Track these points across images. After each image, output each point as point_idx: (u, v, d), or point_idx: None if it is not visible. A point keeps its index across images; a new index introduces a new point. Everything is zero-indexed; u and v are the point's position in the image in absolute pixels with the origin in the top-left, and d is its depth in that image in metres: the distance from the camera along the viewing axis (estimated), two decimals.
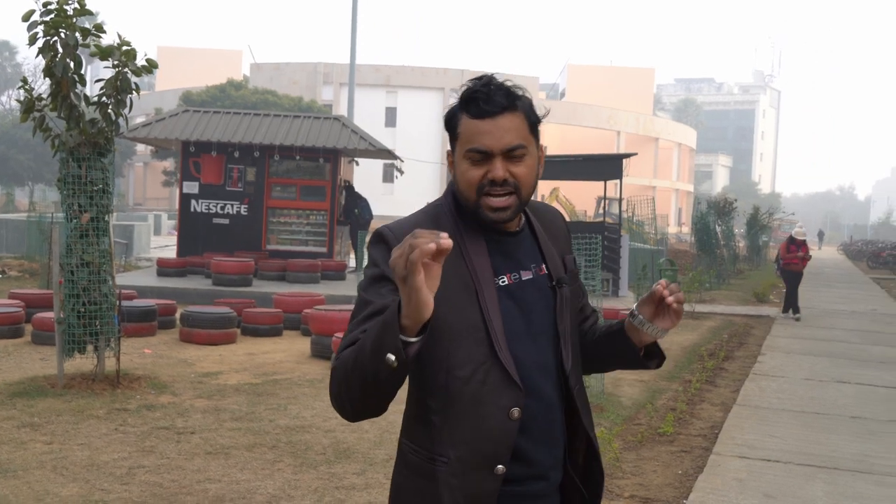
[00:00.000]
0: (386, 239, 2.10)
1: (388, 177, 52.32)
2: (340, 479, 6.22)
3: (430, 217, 2.17)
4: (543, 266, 2.24)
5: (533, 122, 2.16)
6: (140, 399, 8.36)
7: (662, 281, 2.18)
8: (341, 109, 55.84)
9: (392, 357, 1.83)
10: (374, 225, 21.35)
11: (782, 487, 6.38)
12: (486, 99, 2.08)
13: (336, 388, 2.02)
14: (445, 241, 1.74)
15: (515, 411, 2.08)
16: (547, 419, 2.15)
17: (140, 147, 51.90)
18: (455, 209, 2.18)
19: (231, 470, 6.33)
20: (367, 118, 58.40)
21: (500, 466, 2.08)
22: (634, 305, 2.26)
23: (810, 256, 18.46)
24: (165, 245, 29.51)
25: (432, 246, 1.72)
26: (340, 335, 10.36)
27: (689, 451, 7.44)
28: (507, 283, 2.15)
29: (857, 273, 38.03)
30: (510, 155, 2.09)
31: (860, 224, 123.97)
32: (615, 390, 9.74)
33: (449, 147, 2.21)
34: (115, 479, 6.00)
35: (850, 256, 56.63)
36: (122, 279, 17.48)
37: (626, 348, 2.30)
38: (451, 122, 2.16)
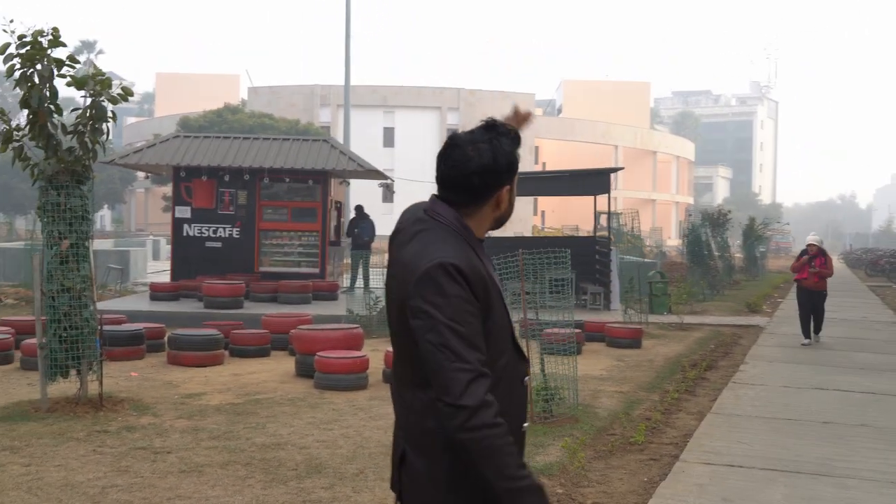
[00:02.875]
0: (465, 274, 2.44)
1: (387, 197, 52.54)
2: (308, 493, 6.36)
3: (460, 241, 2.53)
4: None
5: None
6: (121, 421, 8.50)
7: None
8: (339, 131, 56.08)
9: None
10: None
11: (742, 491, 6.50)
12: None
13: (489, 440, 2.35)
14: None
15: (526, 380, 2.70)
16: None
17: (140, 173, 52.20)
18: (465, 231, 2.56)
19: (202, 487, 6.46)
20: (365, 139, 58.76)
21: (525, 424, 2.68)
22: None
23: (829, 270, 15.51)
24: (163, 270, 29.64)
25: None
26: (323, 353, 10.50)
27: (658, 459, 7.56)
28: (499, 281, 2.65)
29: (854, 281, 38.09)
30: None
31: (862, 232, 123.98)
32: (593, 402, 9.87)
33: (501, 183, 2.59)
34: (87, 499, 6.14)
35: (850, 265, 56.64)
36: (115, 304, 17.67)
37: None
38: (516, 160, 2.59)
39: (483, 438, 2.32)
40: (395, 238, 2.66)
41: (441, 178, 2.58)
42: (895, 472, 7.16)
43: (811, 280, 15.21)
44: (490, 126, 2.58)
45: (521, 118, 2.91)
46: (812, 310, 15.35)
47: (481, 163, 2.52)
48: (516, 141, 2.60)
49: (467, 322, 2.39)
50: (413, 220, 2.62)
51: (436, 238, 2.52)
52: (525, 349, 2.76)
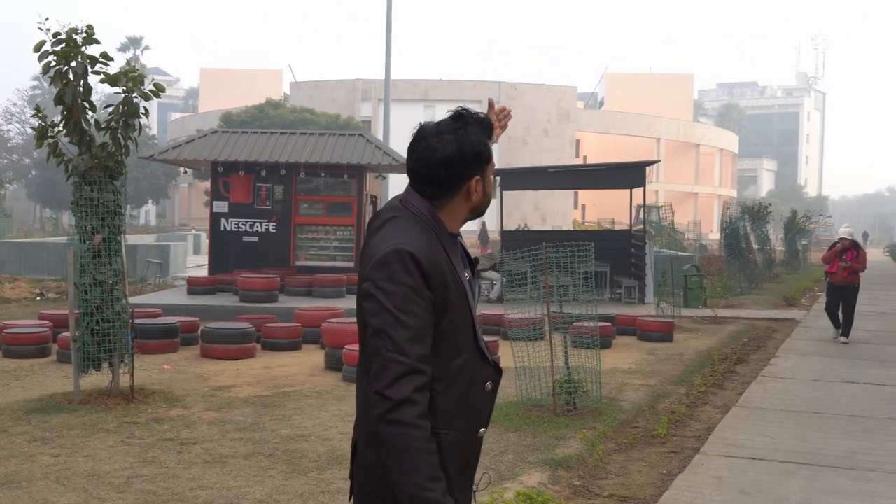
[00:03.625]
0: (420, 262, 2.41)
1: None
2: (328, 484, 6.45)
3: (430, 236, 2.50)
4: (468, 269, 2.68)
5: None
6: (151, 413, 8.67)
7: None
8: (380, 125, 56.29)
9: None
10: None
11: (759, 484, 6.48)
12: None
13: (402, 439, 2.30)
14: None
15: (489, 385, 2.61)
16: (494, 391, 2.68)
17: (182, 168, 52.88)
18: (434, 221, 2.54)
19: (225, 478, 6.59)
20: (406, 133, 58.09)
21: (482, 429, 2.61)
22: None
23: (861, 265, 14.48)
24: (202, 264, 30.04)
25: None
26: (351, 347, 10.60)
27: (679, 452, 7.55)
28: (468, 278, 2.61)
29: None
30: None
31: None
32: (618, 395, 9.87)
33: (472, 172, 2.56)
34: (113, 488, 6.29)
35: (895, 257, 55.76)
36: (153, 298, 17.97)
37: None
38: (486, 150, 2.56)
39: (398, 435, 2.28)
40: (369, 225, 2.67)
41: (410, 171, 2.57)
42: None
43: (840, 275, 14.37)
44: (458, 115, 2.54)
45: (496, 113, 2.95)
46: (840, 306, 14.55)
47: (445, 154, 2.49)
48: (487, 130, 2.55)
49: (414, 314, 2.35)
50: (388, 208, 2.63)
51: (402, 227, 2.50)
52: (486, 350, 2.61)
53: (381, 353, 2.34)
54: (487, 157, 2.56)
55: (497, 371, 2.65)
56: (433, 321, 2.42)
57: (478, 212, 2.66)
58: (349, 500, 2.67)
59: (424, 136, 2.54)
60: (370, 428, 2.47)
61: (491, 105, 2.98)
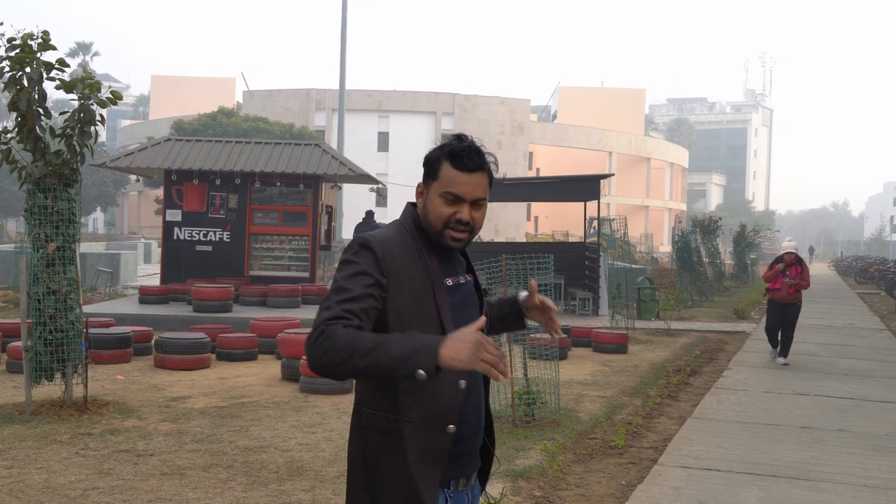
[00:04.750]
0: (372, 247, 2.64)
1: (381, 202, 52.74)
2: (289, 495, 6.41)
3: (398, 233, 2.74)
4: (469, 275, 2.90)
5: (491, 179, 2.78)
6: (105, 424, 8.55)
7: (533, 284, 3.00)
8: (334, 135, 56.16)
9: (422, 373, 2.35)
10: None
11: (717, 495, 6.57)
12: (469, 157, 2.69)
13: (328, 353, 2.45)
14: (502, 371, 2.36)
15: (462, 383, 2.69)
16: (477, 391, 2.78)
17: (133, 176, 52.21)
18: (414, 227, 2.76)
19: (183, 490, 6.51)
20: (360, 143, 58.81)
21: (451, 426, 2.66)
22: (522, 296, 3.11)
23: (806, 282, 13.56)
24: (153, 273, 29.70)
25: (494, 372, 2.34)
26: None
27: (637, 463, 7.63)
28: (451, 283, 2.77)
29: (843, 288, 38.24)
30: (475, 203, 2.73)
31: (854, 240, 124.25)
32: (576, 406, 9.94)
33: (421, 180, 2.78)
34: (69, 501, 6.18)
35: (840, 272, 56.85)
36: (104, 307, 17.70)
37: (512, 318, 3.18)
38: (434, 163, 2.74)
39: (331, 344, 2.44)
40: None
41: None
42: (869, 476, 7.24)
43: (784, 291, 13.50)
44: (456, 136, 2.78)
45: (537, 303, 3.12)
46: (782, 325, 13.75)
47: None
48: (453, 154, 2.73)
49: (356, 286, 2.56)
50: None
51: (383, 227, 2.83)
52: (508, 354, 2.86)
53: (319, 309, 2.57)
54: (431, 172, 2.75)
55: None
56: (381, 301, 2.61)
57: (427, 226, 2.78)
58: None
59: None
60: (352, 414, 2.79)
61: (532, 290, 3.10)
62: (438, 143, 2.77)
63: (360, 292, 2.55)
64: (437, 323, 2.67)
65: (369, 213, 22.50)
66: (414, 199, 2.84)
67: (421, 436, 2.62)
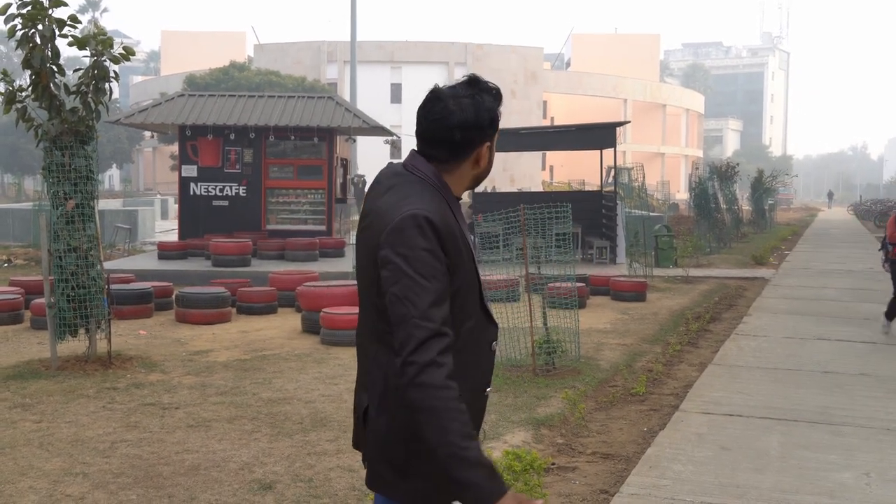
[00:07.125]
0: (438, 228, 2.41)
1: (395, 154, 52.58)
2: (314, 445, 6.48)
3: (440, 199, 2.49)
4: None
5: None
6: (130, 378, 8.64)
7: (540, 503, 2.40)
8: (346, 88, 55.82)
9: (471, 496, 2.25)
10: None
11: (739, 440, 6.60)
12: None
13: (426, 401, 2.28)
14: None
15: (494, 344, 2.68)
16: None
17: (147, 132, 52.21)
18: (443, 187, 2.53)
19: (209, 441, 6.59)
20: (372, 95, 58.45)
21: (489, 388, 2.67)
22: None
23: None
24: (171, 229, 29.82)
25: None
26: (328, 310, 10.60)
27: (658, 410, 7.66)
28: (473, 239, 2.65)
29: (862, 232, 38.04)
30: None
31: (873, 183, 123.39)
32: (596, 354, 9.97)
33: (485, 138, 2.54)
34: (98, 453, 6.27)
35: (860, 216, 56.49)
36: (123, 263, 17.83)
37: None
38: (496, 116, 2.54)
39: (427, 398, 2.27)
40: (370, 191, 2.62)
41: (422, 133, 2.52)
42: (892, 420, 7.25)
43: None
44: (473, 82, 2.51)
45: None
46: None
47: (463, 117, 2.45)
48: (498, 98, 2.54)
49: (434, 277, 2.35)
50: (390, 173, 2.58)
51: (412, 191, 2.48)
52: (491, 310, 2.66)
53: (405, 319, 2.31)
54: (498, 125, 2.54)
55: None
56: (449, 284, 2.41)
57: (479, 179, 2.63)
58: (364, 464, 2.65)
59: (441, 98, 2.49)
60: (384, 395, 2.48)
61: None
62: (467, 90, 2.50)
63: (442, 288, 2.36)
64: (478, 294, 2.57)
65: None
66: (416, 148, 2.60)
67: (469, 403, 2.40)
